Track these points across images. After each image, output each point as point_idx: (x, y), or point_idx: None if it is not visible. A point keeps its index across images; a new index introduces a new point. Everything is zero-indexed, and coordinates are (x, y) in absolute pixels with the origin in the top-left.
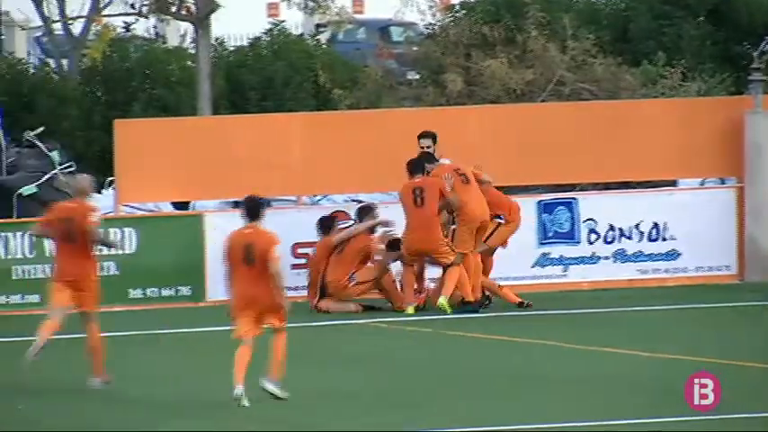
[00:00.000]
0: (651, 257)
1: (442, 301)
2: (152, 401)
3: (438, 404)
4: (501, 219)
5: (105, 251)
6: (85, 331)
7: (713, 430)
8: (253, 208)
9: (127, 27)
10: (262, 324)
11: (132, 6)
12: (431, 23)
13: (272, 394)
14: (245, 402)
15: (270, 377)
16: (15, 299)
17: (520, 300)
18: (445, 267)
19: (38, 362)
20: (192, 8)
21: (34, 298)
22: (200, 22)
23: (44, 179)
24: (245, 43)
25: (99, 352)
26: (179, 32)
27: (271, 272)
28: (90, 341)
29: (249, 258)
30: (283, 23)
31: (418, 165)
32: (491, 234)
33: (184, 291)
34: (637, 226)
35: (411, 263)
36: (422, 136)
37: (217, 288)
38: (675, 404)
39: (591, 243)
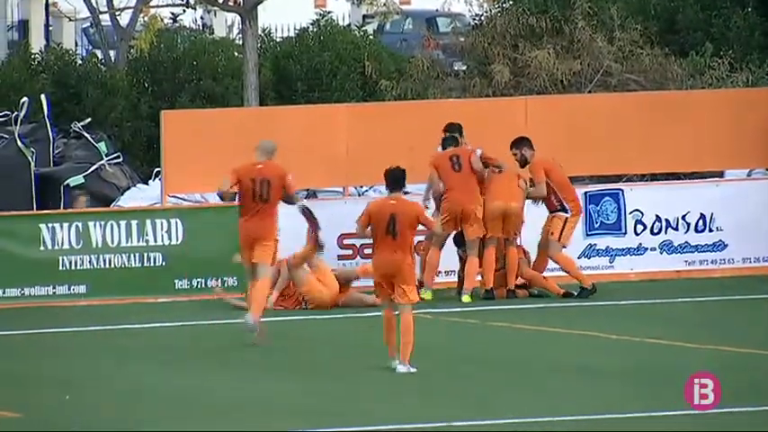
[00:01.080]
0: (698, 248)
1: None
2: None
3: (475, 395)
4: (566, 211)
5: (152, 242)
6: (252, 283)
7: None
8: (395, 178)
9: (174, 18)
10: (393, 294)
11: None
12: (478, 14)
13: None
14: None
15: (401, 359)
16: (62, 290)
17: (564, 290)
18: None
19: (86, 352)
20: None
21: (81, 289)
22: (248, 12)
23: (91, 170)
24: (291, 34)
25: (258, 298)
26: (226, 23)
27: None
28: (252, 290)
29: (393, 230)
30: (330, 14)
31: (451, 137)
32: (561, 231)
33: (230, 282)
34: (683, 217)
35: (448, 229)
36: (447, 131)
37: None
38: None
39: (637, 234)
